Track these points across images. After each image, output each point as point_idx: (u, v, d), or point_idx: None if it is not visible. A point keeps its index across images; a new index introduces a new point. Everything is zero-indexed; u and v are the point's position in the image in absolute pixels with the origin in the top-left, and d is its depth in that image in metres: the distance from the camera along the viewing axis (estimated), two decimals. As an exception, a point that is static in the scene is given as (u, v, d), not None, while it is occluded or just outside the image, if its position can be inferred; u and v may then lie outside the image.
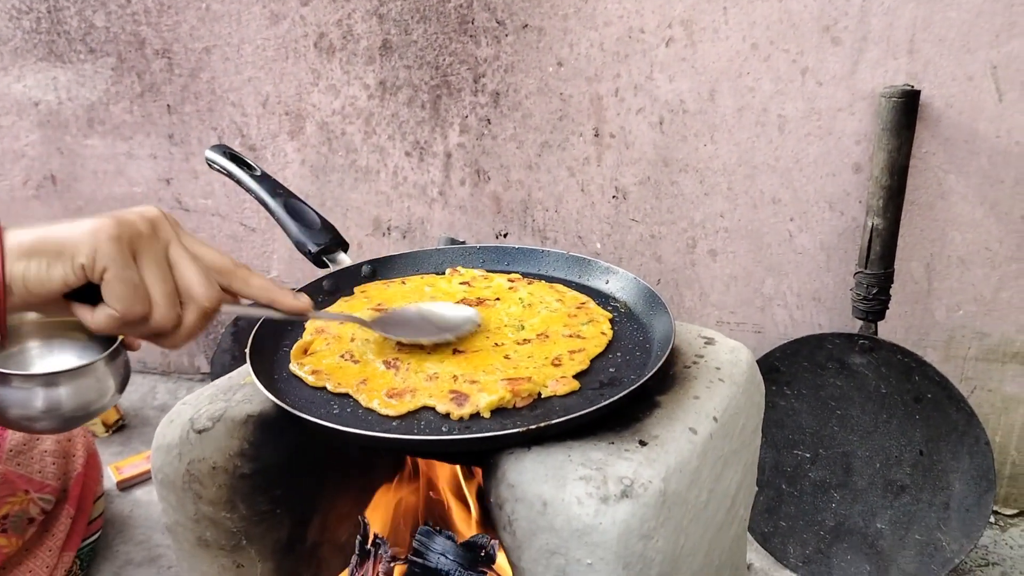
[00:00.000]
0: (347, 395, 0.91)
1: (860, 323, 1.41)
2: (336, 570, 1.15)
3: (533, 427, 0.83)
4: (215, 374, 1.93)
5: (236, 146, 1.80)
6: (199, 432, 0.97)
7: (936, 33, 1.26)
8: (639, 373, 0.97)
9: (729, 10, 1.35)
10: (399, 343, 0.99)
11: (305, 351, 0.99)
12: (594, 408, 0.86)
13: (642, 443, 0.87)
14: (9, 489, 1.43)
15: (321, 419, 0.85)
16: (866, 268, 1.36)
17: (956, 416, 1.35)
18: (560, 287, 1.15)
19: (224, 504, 0.99)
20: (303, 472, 1.05)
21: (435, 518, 1.08)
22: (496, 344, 0.99)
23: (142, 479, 1.86)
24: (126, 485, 1.84)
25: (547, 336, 1.02)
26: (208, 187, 1.87)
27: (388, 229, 1.75)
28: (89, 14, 1.79)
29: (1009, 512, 1.54)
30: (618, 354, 1.01)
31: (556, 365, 0.95)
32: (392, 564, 1.10)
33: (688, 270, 1.55)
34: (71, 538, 1.51)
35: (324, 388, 0.92)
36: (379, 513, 1.11)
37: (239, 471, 0.98)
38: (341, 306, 1.08)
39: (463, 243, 1.68)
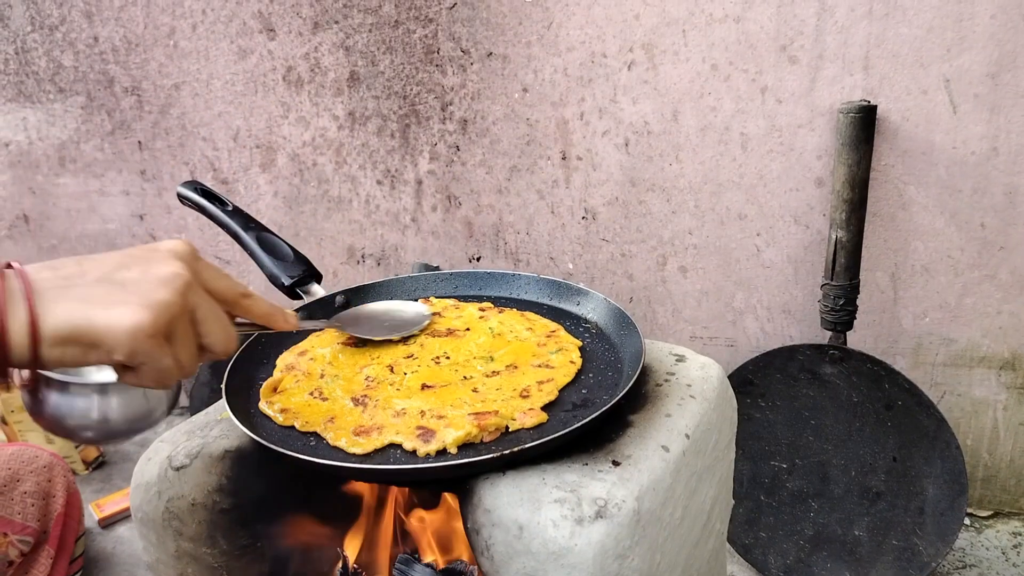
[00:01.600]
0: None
1: (829, 334, 1.44)
2: (319, 601, 1.15)
3: (507, 452, 0.84)
4: (194, 407, 1.93)
5: (208, 180, 1.80)
6: (177, 469, 0.97)
7: (889, 49, 1.30)
8: (611, 394, 0.98)
9: (688, 33, 1.38)
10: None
11: (275, 389, 0.99)
12: (567, 431, 0.87)
13: (615, 463, 0.88)
14: None
15: (297, 452, 0.87)
16: (832, 280, 1.39)
17: (926, 422, 1.38)
18: (531, 315, 1.16)
19: (205, 540, 0.99)
20: (282, 506, 1.05)
21: (413, 546, 1.08)
22: (465, 377, 1.00)
23: (124, 516, 1.85)
24: (108, 522, 1.83)
25: (516, 367, 1.02)
26: (181, 221, 1.87)
27: (362, 257, 1.76)
28: (57, 54, 1.79)
29: (984, 514, 1.57)
30: (590, 375, 1.03)
31: (524, 397, 0.96)
32: (374, 593, 1.10)
33: (660, 287, 1.57)
34: (54, 577, 1.50)
35: (292, 427, 0.92)
36: (357, 543, 1.12)
37: (218, 506, 0.98)
38: (312, 341, 1.10)
39: (437, 268, 1.70)
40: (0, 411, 1.92)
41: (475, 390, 0.97)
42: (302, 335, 1.12)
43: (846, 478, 1.46)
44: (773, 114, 1.39)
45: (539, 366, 1.03)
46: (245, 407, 0.98)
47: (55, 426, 1.11)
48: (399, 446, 0.87)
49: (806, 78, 1.35)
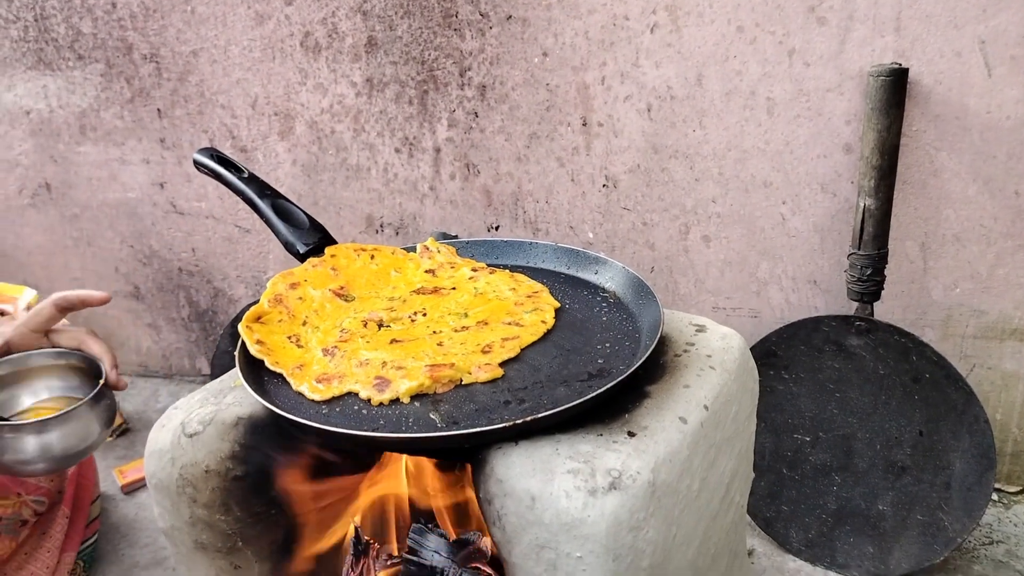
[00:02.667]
0: (336, 398, 0.93)
1: (856, 305, 1.40)
2: (334, 567, 1.15)
3: (519, 421, 0.83)
4: (215, 376, 1.93)
5: (227, 148, 1.79)
6: (190, 436, 0.97)
7: (922, 9, 1.25)
8: (628, 363, 0.97)
9: (713, -7, 1.34)
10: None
11: (258, 318, 1.03)
12: (582, 400, 0.86)
13: (631, 434, 0.86)
14: (2, 491, 1.43)
15: (311, 420, 0.87)
16: (859, 249, 1.35)
17: (955, 395, 1.34)
18: (520, 276, 1.16)
19: (218, 507, 0.99)
20: (296, 474, 1.05)
21: (426, 515, 1.08)
22: (434, 332, 1.03)
23: (146, 482, 1.87)
24: (131, 488, 1.85)
25: (486, 323, 1.04)
26: (202, 189, 1.87)
27: (381, 226, 1.75)
28: (76, 21, 1.78)
29: (1012, 489, 1.53)
30: (607, 344, 1.01)
31: (486, 352, 0.98)
32: (388, 562, 1.10)
33: (682, 257, 1.54)
34: (70, 539, 1.51)
35: (261, 362, 0.97)
36: (370, 511, 1.11)
37: (231, 473, 0.98)
38: (306, 267, 1.12)
39: (455, 237, 1.68)
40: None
41: (440, 344, 0.99)
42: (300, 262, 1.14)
43: (871, 452, 1.43)
44: (800, 78, 1.35)
45: (509, 323, 1.04)
46: (258, 373, 0.98)
47: None
48: (356, 394, 0.91)
49: (835, 40, 1.31)
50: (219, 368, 1.92)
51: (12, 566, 1.42)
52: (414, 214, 1.70)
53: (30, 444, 1.11)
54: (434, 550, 1.04)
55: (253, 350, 0.99)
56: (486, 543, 1.01)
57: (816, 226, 1.44)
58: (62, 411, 1.11)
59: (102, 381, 1.16)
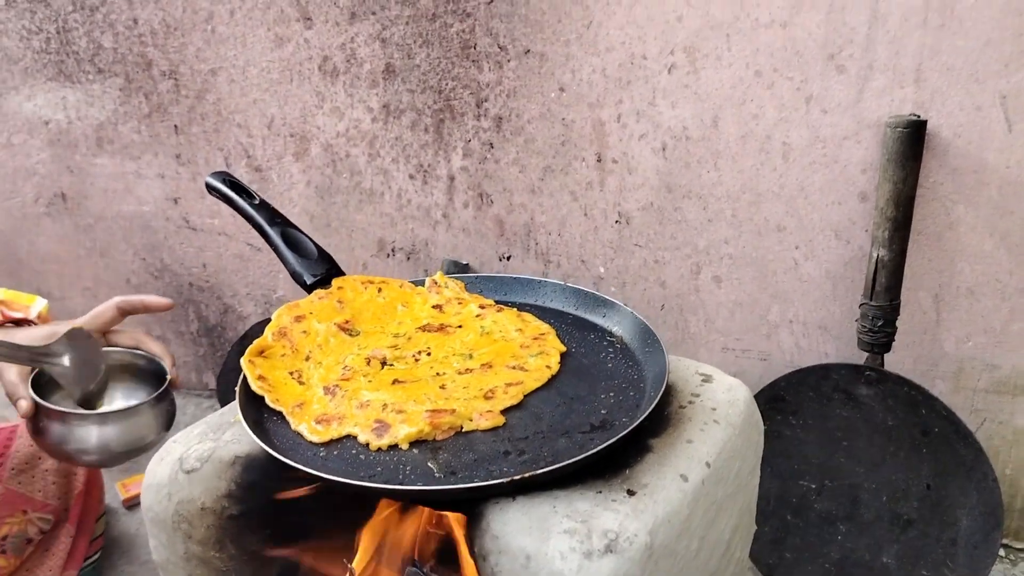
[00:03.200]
0: (334, 440, 0.92)
1: (866, 355, 1.39)
2: (329, 605, 1.15)
3: (517, 478, 0.82)
4: (221, 392, 1.93)
5: (242, 167, 1.80)
6: (187, 472, 0.97)
7: (943, 62, 1.24)
8: (631, 415, 0.96)
9: (732, 37, 1.33)
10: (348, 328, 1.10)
11: (260, 351, 1.03)
12: (582, 456, 0.85)
13: (630, 492, 0.85)
14: (9, 509, 1.43)
15: (306, 465, 0.87)
16: (871, 300, 1.34)
17: (964, 451, 1.32)
18: (528, 316, 1.15)
19: (213, 544, 0.99)
20: (291, 513, 1.04)
21: (422, 555, 1.07)
22: (437, 374, 1.02)
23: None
24: (132, 503, 1.85)
25: (491, 367, 1.04)
26: (215, 206, 1.87)
27: (392, 250, 1.74)
28: (97, 35, 1.79)
29: (1020, 546, 1.51)
30: (611, 394, 1.00)
31: (488, 398, 0.97)
32: (383, 603, 1.09)
33: (693, 296, 1.53)
34: (72, 558, 1.51)
35: (262, 398, 0.97)
36: (365, 554, 1.11)
37: (227, 512, 0.97)
38: (312, 299, 1.12)
39: (466, 265, 1.68)
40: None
41: (443, 387, 0.98)
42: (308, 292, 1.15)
43: (877, 503, 1.42)
44: (817, 124, 1.34)
45: (513, 368, 1.03)
46: (257, 411, 0.98)
47: (55, 451, 1.17)
48: (355, 437, 0.91)
49: (854, 88, 1.30)
50: (225, 384, 1.92)
51: (13, 585, 1.42)
52: (426, 240, 1.70)
53: (92, 435, 1.15)
54: (429, 594, 1.03)
55: (254, 386, 0.99)
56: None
57: (828, 272, 1.42)
58: (126, 406, 1.15)
59: (168, 380, 1.20)
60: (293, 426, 0.95)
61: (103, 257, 2.06)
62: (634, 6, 1.37)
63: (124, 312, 1.25)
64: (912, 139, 1.25)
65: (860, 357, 1.41)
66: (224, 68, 1.72)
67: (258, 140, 1.76)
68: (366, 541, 1.10)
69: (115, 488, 1.85)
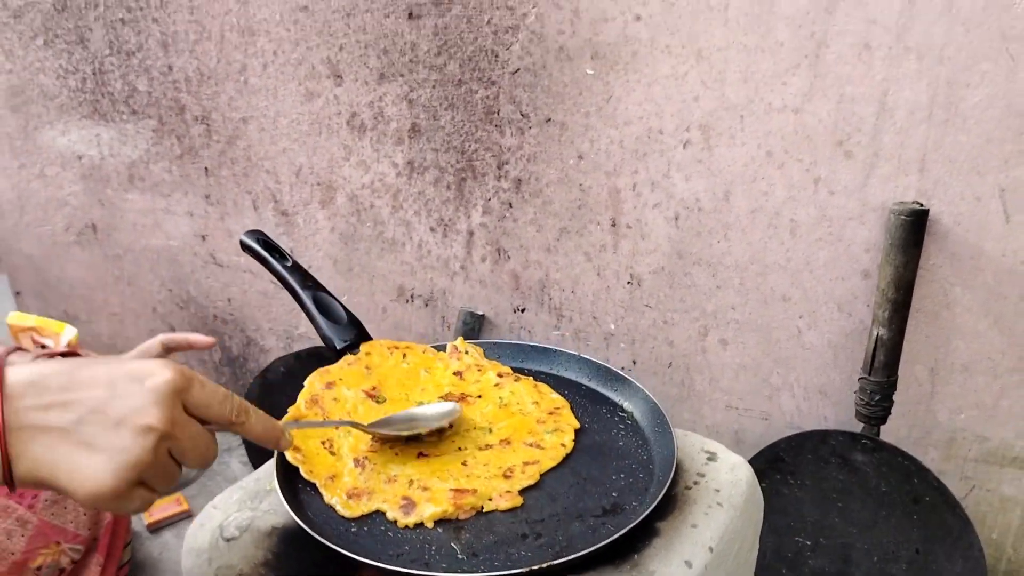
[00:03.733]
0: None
1: (863, 425, 1.46)
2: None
3: (535, 568, 0.89)
4: (242, 421, 2.00)
5: (269, 210, 1.87)
6: (227, 540, 1.04)
7: (946, 154, 1.30)
8: (640, 499, 1.02)
9: (746, 119, 1.39)
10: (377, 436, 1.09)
11: (294, 421, 1.08)
12: (599, 546, 0.91)
13: (639, 580, 0.92)
14: (43, 540, 1.50)
15: (338, 542, 0.93)
16: (870, 375, 1.40)
17: (952, 520, 1.39)
18: (543, 387, 1.21)
19: (248, 606, 1.06)
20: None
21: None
22: (460, 448, 1.08)
23: (171, 521, 1.94)
24: (156, 527, 1.92)
25: (509, 443, 1.09)
26: (241, 245, 1.94)
27: (411, 297, 1.81)
28: (132, 78, 1.86)
29: (1005, 605, 1.58)
30: (621, 475, 1.07)
31: (507, 477, 1.03)
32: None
33: (699, 356, 1.60)
34: (102, 586, 1.58)
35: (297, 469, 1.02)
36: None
37: (263, 578, 1.05)
38: (342, 365, 1.18)
39: (482, 316, 1.74)
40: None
41: (464, 463, 1.05)
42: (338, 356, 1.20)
43: (868, 562, 1.48)
44: (824, 204, 1.40)
45: (530, 445, 1.09)
46: (293, 480, 1.05)
47: None
48: (384, 513, 0.96)
49: (860, 173, 1.36)
50: (246, 414, 1.99)
51: (42, 612, 1.49)
52: (444, 289, 1.77)
53: None
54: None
55: (290, 457, 1.06)
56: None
57: (830, 342, 1.49)
58: None
59: None
60: (326, 499, 1.01)
61: (130, 286, 2.14)
62: (652, 85, 1.43)
63: (168, 349, 1.35)
64: (915, 227, 1.32)
65: (857, 423, 1.48)
66: (255, 117, 1.78)
67: (286, 186, 1.82)
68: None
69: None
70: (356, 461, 1.05)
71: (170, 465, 0.70)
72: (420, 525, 0.97)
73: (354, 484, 1.02)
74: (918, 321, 1.41)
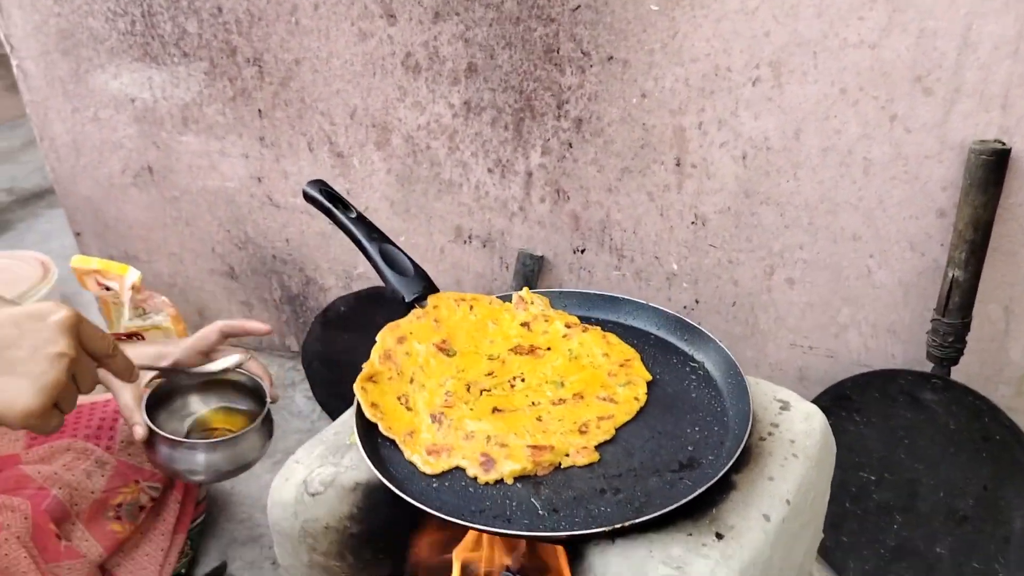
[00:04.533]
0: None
1: (932, 364, 1.44)
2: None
3: (619, 526, 0.91)
4: (305, 359, 2.04)
5: (325, 152, 1.86)
6: (312, 495, 1.07)
7: (1032, 89, 1.25)
8: (716, 453, 1.03)
9: (819, 55, 1.34)
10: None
11: (370, 378, 1.11)
12: (677, 505, 0.93)
13: (719, 536, 0.94)
14: (122, 480, 1.57)
15: (421, 499, 0.96)
16: (944, 317, 1.38)
17: (1023, 458, 1.39)
18: (612, 338, 1.20)
19: (334, 555, 1.10)
20: (405, 529, 1.15)
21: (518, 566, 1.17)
22: (533, 403, 1.10)
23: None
24: (228, 463, 1.98)
25: (582, 397, 1.10)
26: (298, 187, 1.94)
27: (469, 237, 1.81)
28: (182, 20, 1.84)
29: (1071, 538, 1.58)
30: (696, 428, 1.07)
31: (583, 432, 1.05)
32: (482, 602, 1.21)
33: (764, 295, 1.59)
34: (181, 521, 1.65)
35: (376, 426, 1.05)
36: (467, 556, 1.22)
37: (348, 531, 1.08)
38: (411, 319, 1.19)
39: (541, 257, 1.74)
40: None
41: (539, 419, 1.06)
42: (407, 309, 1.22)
43: (934, 497, 1.49)
44: (900, 142, 1.35)
45: (603, 399, 1.10)
46: (372, 436, 1.07)
47: (166, 469, 1.39)
48: (463, 469, 0.99)
49: (939, 110, 1.31)
50: (309, 352, 2.03)
51: (128, 546, 1.56)
52: (502, 230, 1.76)
53: (200, 459, 1.33)
54: (522, 602, 1.14)
55: (368, 413, 1.07)
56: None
57: (901, 281, 1.46)
58: (232, 435, 1.33)
59: (267, 405, 1.33)
60: (407, 456, 1.03)
61: (188, 226, 2.16)
62: (721, 20, 1.38)
63: (226, 336, 1.40)
64: (995, 166, 1.27)
65: (925, 361, 1.46)
66: (308, 59, 1.76)
67: (340, 128, 1.81)
68: (469, 547, 1.22)
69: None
70: (433, 417, 1.07)
71: (74, 388, 0.82)
72: (500, 481, 0.99)
73: (433, 441, 1.04)
74: (994, 260, 1.38)
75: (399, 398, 1.11)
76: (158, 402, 1.41)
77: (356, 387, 1.10)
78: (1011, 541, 1.43)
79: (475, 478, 1.00)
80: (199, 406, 1.49)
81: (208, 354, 1.39)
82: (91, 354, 0.84)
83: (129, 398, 1.41)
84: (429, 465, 1.01)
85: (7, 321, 0.78)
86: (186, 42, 1.86)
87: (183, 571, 1.63)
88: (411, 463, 1.03)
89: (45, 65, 2.07)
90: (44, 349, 0.77)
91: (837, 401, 1.53)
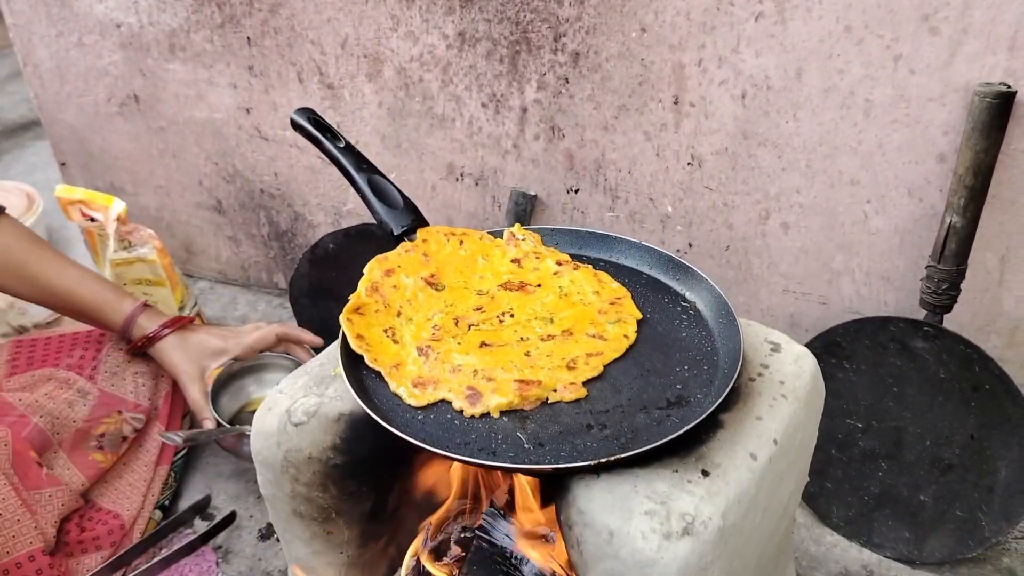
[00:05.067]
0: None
1: (925, 312, 1.43)
2: (413, 527, 1.27)
3: (603, 460, 0.90)
4: (293, 296, 2.02)
5: (315, 83, 1.81)
6: (296, 425, 1.06)
7: (1042, 31, 1.21)
8: (705, 391, 1.02)
9: (825, -10, 1.30)
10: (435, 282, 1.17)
11: (357, 309, 1.10)
12: (664, 441, 0.92)
13: (704, 473, 0.93)
14: (105, 410, 1.56)
15: (406, 431, 0.95)
16: (939, 263, 1.36)
17: (1011, 410, 1.38)
18: (603, 276, 1.19)
19: (317, 486, 1.10)
20: (389, 461, 1.14)
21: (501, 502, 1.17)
22: (521, 339, 1.08)
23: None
24: (213, 399, 1.98)
25: (571, 334, 1.09)
26: (287, 119, 1.89)
27: (461, 175, 1.78)
28: (168, -59, 1.78)
29: (1053, 489, 1.59)
30: (685, 367, 1.06)
31: (571, 368, 1.04)
32: (463, 535, 1.21)
33: (759, 240, 1.56)
34: (164, 453, 1.65)
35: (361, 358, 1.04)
36: (453, 494, 1.22)
37: (331, 462, 1.08)
38: (400, 252, 1.18)
39: (534, 196, 1.71)
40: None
41: (527, 354, 1.05)
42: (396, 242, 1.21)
43: (920, 446, 1.49)
44: (903, 84, 1.32)
45: (593, 336, 1.09)
46: (358, 369, 1.06)
47: (234, 453, 1.64)
48: (449, 402, 0.98)
49: (945, 51, 1.28)
50: (296, 288, 2.00)
51: (111, 476, 1.56)
52: (495, 168, 1.73)
53: None
54: (504, 534, 1.14)
55: (353, 345, 1.06)
56: (554, 539, 1.11)
57: (897, 228, 1.44)
58: None
59: None
60: (392, 388, 1.02)
61: (175, 159, 2.12)
62: (725, -49, 1.33)
63: (282, 340, 1.68)
64: (1000, 110, 1.24)
65: (918, 309, 1.45)
66: (298, -16, 1.71)
67: (331, 58, 1.76)
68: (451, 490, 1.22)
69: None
70: (419, 350, 1.06)
71: None
72: (486, 415, 0.98)
73: (419, 373, 1.03)
74: (992, 208, 1.36)
75: (386, 331, 1.10)
76: (219, 387, 1.65)
77: (342, 319, 1.09)
78: (995, 491, 1.43)
79: (461, 411, 0.98)
80: (256, 388, 1.75)
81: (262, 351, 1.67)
82: None
83: (197, 393, 1.59)
84: (414, 397, 1.00)
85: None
86: (172, -36, 1.81)
87: (166, 503, 1.63)
88: (396, 395, 1.01)
89: (28, -14, 2.01)
90: None
91: (827, 348, 1.52)
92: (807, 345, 1.51)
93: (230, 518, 1.60)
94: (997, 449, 1.42)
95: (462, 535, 1.22)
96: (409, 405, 1.01)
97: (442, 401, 1.01)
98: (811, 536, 1.58)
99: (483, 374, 1.02)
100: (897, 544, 1.51)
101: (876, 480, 1.53)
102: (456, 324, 1.11)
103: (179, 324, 1.60)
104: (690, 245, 1.64)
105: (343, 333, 1.08)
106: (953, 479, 1.47)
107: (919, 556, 1.49)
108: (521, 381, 1.00)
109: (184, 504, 1.66)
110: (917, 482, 1.50)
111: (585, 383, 1.02)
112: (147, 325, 1.57)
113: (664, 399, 1.02)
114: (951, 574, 1.49)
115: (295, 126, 1.34)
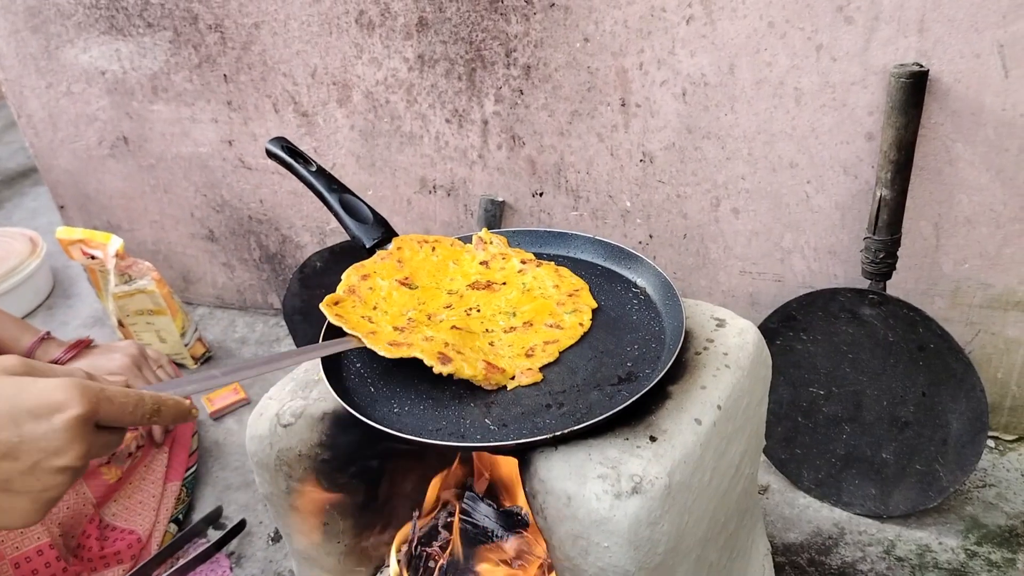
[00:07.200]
0: (404, 395, 1.09)
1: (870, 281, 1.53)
2: (404, 516, 1.37)
3: (559, 433, 1.00)
4: (287, 314, 2.13)
5: (290, 112, 1.92)
6: (285, 426, 1.17)
7: (945, 13, 1.31)
8: (653, 367, 1.12)
9: (746, -9, 1.41)
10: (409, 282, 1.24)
11: (335, 303, 1.17)
12: (614, 411, 1.01)
13: (652, 439, 1.03)
14: None
15: (383, 423, 1.04)
16: (874, 234, 1.46)
17: (955, 365, 1.48)
18: (564, 271, 1.28)
19: (310, 481, 1.20)
20: (372, 455, 1.25)
21: (482, 487, 1.27)
22: (487, 330, 1.17)
23: (231, 409, 2.10)
24: (218, 415, 2.08)
25: (531, 325, 1.18)
26: (267, 148, 2.01)
27: (434, 188, 1.88)
28: (143, -9, 1.90)
29: (1009, 438, 1.69)
30: (635, 346, 1.16)
31: (529, 356, 1.13)
32: (450, 519, 1.31)
33: (713, 226, 1.67)
34: (173, 469, 1.74)
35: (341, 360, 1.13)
36: (436, 482, 1.32)
37: (320, 457, 1.18)
38: (375, 259, 1.26)
39: (502, 202, 1.81)
40: (117, 315, 2.16)
41: (491, 344, 1.14)
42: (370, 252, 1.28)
43: (878, 407, 1.59)
44: (827, 71, 1.43)
45: (551, 326, 1.18)
46: (339, 373, 1.16)
47: None
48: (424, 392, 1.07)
49: (861, 38, 1.38)
50: (289, 307, 2.11)
51: (122, 495, 1.66)
52: (464, 178, 1.84)
53: None
54: (484, 515, 1.24)
55: (332, 319, 1.13)
56: (527, 514, 1.21)
57: (837, 204, 1.54)
58: None
59: None
60: (368, 344, 1.07)
61: (167, 193, 2.23)
62: (652, -37, 1.44)
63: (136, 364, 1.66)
64: (914, 88, 1.34)
65: (865, 280, 1.55)
66: (267, 22, 1.82)
67: (303, 88, 1.87)
68: (434, 483, 1.32)
69: (202, 402, 2.08)
70: (395, 328, 1.15)
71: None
72: (456, 400, 1.07)
73: (395, 338, 1.12)
74: (921, 179, 1.46)
75: (362, 317, 1.18)
76: None
77: (322, 306, 1.16)
78: (948, 442, 1.53)
79: (431, 368, 1.07)
80: None
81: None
82: (119, 426, 0.72)
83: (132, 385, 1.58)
84: (389, 351, 1.05)
85: (7, 420, 0.64)
86: (149, 12, 1.92)
87: (180, 516, 1.73)
88: (372, 351, 1.07)
89: (16, 43, 2.13)
90: (46, 463, 0.65)
91: (785, 322, 1.62)
92: (766, 321, 1.62)
93: (240, 526, 1.70)
94: (946, 403, 1.52)
95: (448, 519, 1.32)
96: (386, 398, 1.09)
97: (417, 395, 1.09)
98: (784, 500, 1.67)
99: (453, 347, 1.10)
100: (865, 501, 1.61)
101: (841, 442, 1.63)
102: (429, 318, 1.20)
103: (79, 348, 1.66)
104: (651, 236, 1.74)
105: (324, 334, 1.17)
106: (910, 435, 1.56)
107: (885, 510, 1.59)
108: (488, 363, 1.10)
109: (197, 516, 1.76)
110: (878, 441, 1.60)
111: (543, 368, 1.12)
112: (48, 355, 1.64)
113: (616, 376, 1.11)
114: (917, 525, 1.58)
115: (270, 154, 1.44)
